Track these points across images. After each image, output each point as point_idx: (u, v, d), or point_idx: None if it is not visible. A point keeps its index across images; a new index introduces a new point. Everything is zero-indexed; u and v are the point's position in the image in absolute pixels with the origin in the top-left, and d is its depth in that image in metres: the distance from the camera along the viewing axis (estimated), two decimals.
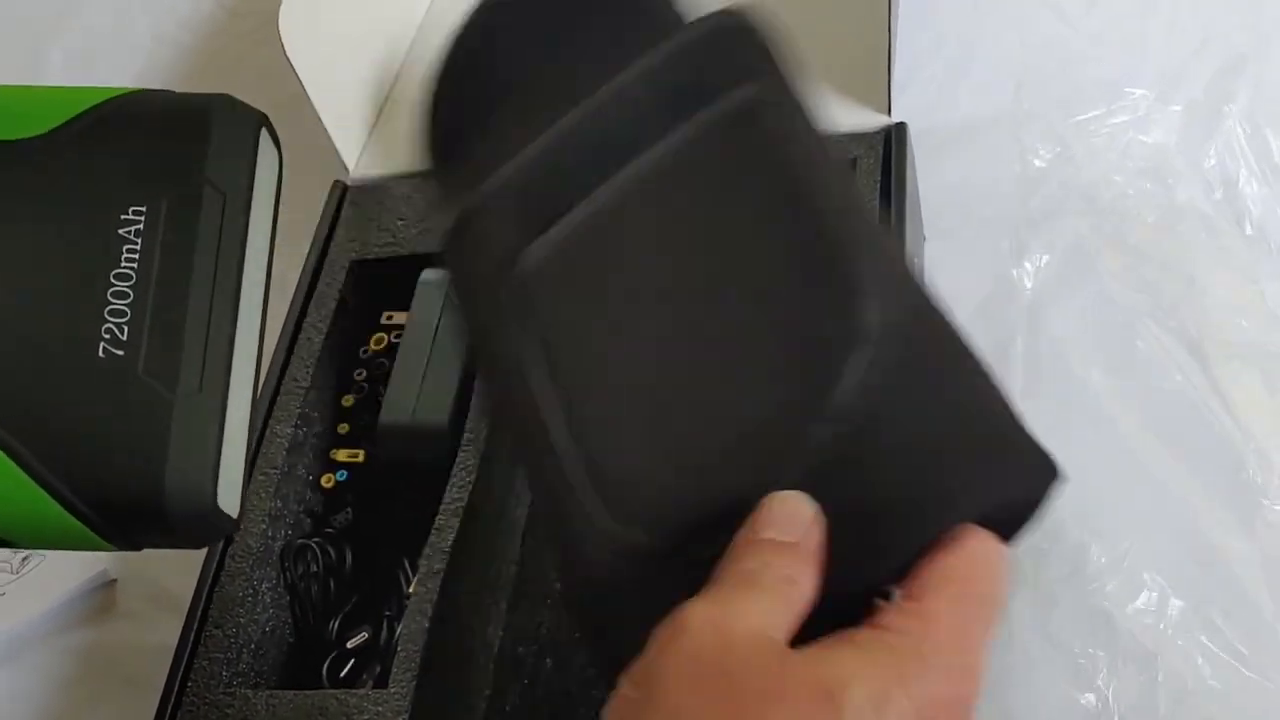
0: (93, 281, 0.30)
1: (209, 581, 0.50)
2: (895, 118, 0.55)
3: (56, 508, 0.29)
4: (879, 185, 0.52)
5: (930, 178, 0.58)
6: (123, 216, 0.31)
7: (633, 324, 0.36)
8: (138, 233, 0.31)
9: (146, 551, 0.61)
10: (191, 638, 0.48)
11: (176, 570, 0.60)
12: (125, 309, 0.30)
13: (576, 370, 0.36)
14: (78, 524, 0.29)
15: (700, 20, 0.39)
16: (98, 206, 0.31)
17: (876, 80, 0.54)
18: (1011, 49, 0.63)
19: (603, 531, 0.33)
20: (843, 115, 0.54)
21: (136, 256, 0.31)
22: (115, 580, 0.61)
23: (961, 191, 0.59)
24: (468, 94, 0.42)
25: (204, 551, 0.52)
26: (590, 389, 0.35)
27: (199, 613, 0.49)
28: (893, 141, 0.53)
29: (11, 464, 0.29)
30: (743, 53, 0.38)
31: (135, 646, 0.58)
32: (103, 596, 0.61)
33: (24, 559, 0.62)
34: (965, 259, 0.57)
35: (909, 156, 0.53)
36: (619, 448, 0.35)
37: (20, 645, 0.60)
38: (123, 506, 0.30)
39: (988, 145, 0.60)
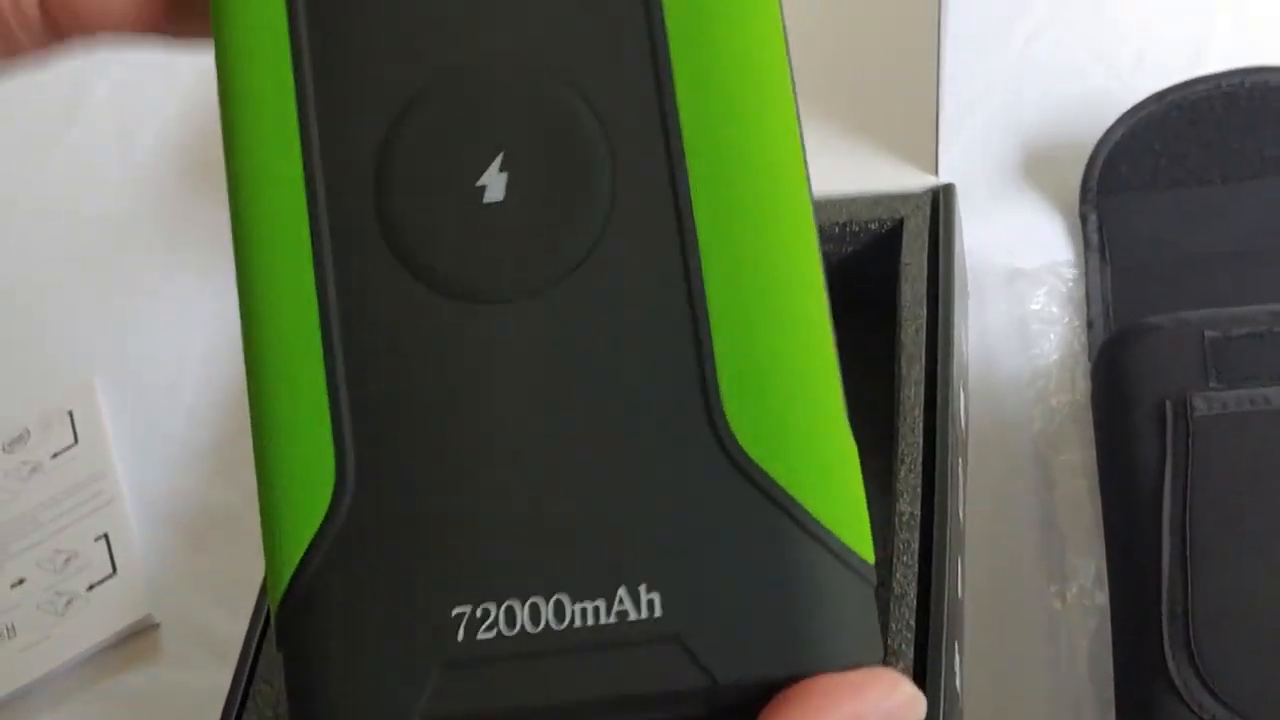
0: None
1: (258, 633, 0.50)
2: (943, 173, 0.55)
3: None
4: (926, 246, 0.52)
5: (978, 232, 0.58)
6: None
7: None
8: None
9: (191, 595, 0.62)
10: (240, 691, 0.49)
11: (221, 615, 0.60)
12: None
13: (1206, 516, 0.44)
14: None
15: None
16: None
17: (924, 140, 0.54)
18: (1060, 101, 0.63)
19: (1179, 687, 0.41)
20: (890, 175, 0.54)
21: None
22: (159, 624, 0.62)
23: (1008, 246, 0.59)
24: None
25: (251, 597, 0.53)
26: (1211, 540, 0.43)
27: (248, 665, 0.49)
28: (940, 203, 0.53)
29: None
30: None
31: (181, 692, 0.59)
32: (147, 640, 0.62)
33: (68, 602, 0.63)
34: (1010, 312, 0.57)
35: (956, 217, 0.53)
36: (1223, 608, 0.42)
37: (63, 690, 0.60)
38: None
39: (1036, 198, 0.60)
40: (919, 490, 0.46)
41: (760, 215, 0.24)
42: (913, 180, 0.54)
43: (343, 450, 0.24)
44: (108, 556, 0.64)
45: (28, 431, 0.70)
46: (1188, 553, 0.43)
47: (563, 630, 0.23)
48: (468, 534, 0.24)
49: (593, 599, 0.23)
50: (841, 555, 0.23)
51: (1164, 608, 0.43)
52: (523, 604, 0.23)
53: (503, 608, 0.23)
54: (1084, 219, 0.58)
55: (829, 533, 0.23)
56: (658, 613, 0.23)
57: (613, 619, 0.23)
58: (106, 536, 0.65)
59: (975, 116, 0.63)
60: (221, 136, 0.27)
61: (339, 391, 0.25)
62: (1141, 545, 0.45)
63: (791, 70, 0.26)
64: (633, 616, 0.23)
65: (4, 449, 0.70)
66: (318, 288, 0.25)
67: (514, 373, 0.24)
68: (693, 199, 0.24)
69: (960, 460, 0.50)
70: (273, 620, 0.25)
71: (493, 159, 0.25)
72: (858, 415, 0.55)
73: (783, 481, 0.23)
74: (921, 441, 0.47)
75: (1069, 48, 0.64)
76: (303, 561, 0.24)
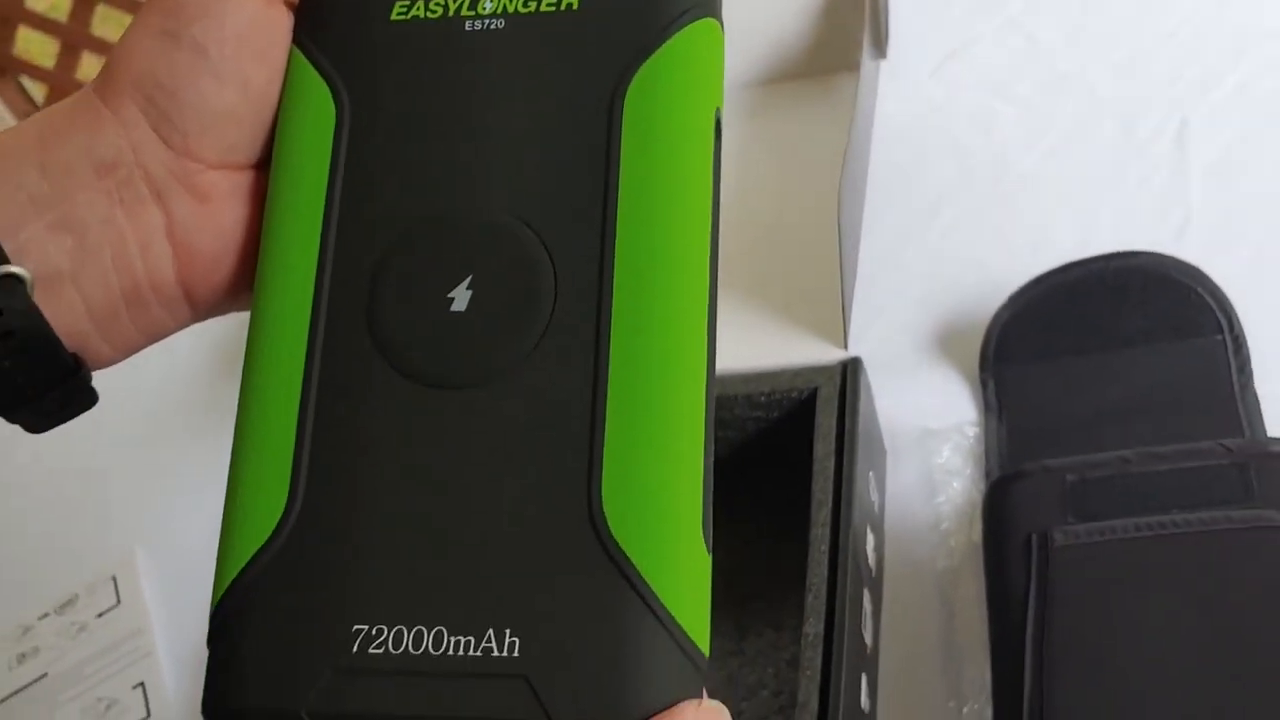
0: None
1: None
2: (868, 348, 0.64)
3: None
4: (836, 410, 0.61)
5: (896, 397, 0.67)
6: None
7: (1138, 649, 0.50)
8: None
9: None
10: None
11: None
12: None
13: (1059, 634, 0.51)
14: None
15: None
16: None
17: (834, 319, 0.64)
18: (967, 284, 0.72)
19: None
20: (806, 349, 0.64)
21: None
22: None
23: (921, 408, 0.68)
24: None
25: None
26: (1062, 654, 0.50)
27: None
28: (848, 374, 0.62)
29: None
30: None
31: None
32: None
33: None
34: (920, 466, 0.66)
35: (863, 384, 0.62)
36: (1070, 715, 0.49)
37: None
38: None
39: (946, 368, 0.69)
40: (823, 614, 0.54)
41: (665, 358, 0.30)
42: (827, 355, 0.63)
43: (295, 489, 0.30)
44: (144, 703, 0.72)
45: (76, 595, 0.80)
46: (1044, 667, 0.51)
47: (437, 656, 0.28)
48: (376, 568, 0.29)
49: (466, 634, 0.28)
50: (677, 637, 0.28)
51: (1025, 717, 0.50)
52: (409, 629, 0.28)
53: (393, 630, 0.29)
54: (984, 385, 0.67)
55: (670, 617, 0.28)
56: (515, 654, 0.28)
57: (478, 653, 0.28)
58: (143, 685, 0.73)
59: (896, 298, 0.72)
60: (261, 234, 0.33)
61: (303, 441, 0.31)
62: (1011, 661, 0.52)
63: (717, 218, 0.32)
64: (495, 654, 0.28)
65: (56, 611, 0.79)
66: (307, 356, 0.31)
67: (443, 444, 0.30)
68: (612, 332, 0.30)
69: (866, 591, 0.58)
70: (209, 623, 0.30)
71: (464, 278, 0.31)
72: (781, 555, 0.63)
73: (640, 566, 0.28)
74: (826, 573, 0.55)
75: (976, 238, 0.74)
76: (242, 572, 0.30)
